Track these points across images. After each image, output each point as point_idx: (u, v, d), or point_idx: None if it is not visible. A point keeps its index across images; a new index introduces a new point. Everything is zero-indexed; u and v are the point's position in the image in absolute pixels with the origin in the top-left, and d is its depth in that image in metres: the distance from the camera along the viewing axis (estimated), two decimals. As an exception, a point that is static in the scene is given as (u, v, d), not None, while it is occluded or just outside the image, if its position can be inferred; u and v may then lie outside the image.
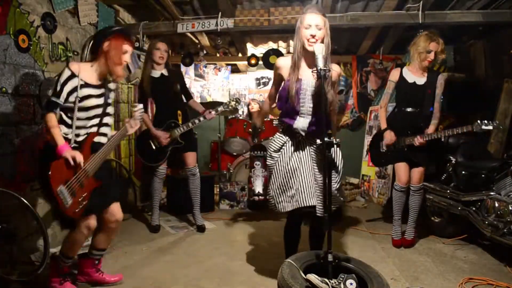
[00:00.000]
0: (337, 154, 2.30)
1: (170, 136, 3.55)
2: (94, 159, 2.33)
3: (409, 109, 3.18)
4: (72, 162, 2.19)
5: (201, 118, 3.55)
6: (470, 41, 5.00)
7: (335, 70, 2.37)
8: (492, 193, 2.96)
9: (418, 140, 3.05)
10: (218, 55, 6.02)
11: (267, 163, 2.44)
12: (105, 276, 2.62)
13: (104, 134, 2.45)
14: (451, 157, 3.48)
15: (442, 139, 3.33)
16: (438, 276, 2.69)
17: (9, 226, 2.55)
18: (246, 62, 5.63)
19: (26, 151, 2.95)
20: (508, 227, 2.70)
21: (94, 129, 2.39)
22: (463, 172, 3.32)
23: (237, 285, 2.57)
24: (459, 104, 4.91)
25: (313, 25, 2.21)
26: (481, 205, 3.02)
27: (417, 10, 3.80)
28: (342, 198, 2.45)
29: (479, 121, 2.85)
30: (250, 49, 5.85)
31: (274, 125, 5.08)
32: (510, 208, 2.74)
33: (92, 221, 2.35)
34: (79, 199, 2.24)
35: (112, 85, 2.52)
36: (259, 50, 5.79)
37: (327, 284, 1.81)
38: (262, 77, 6.42)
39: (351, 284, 1.80)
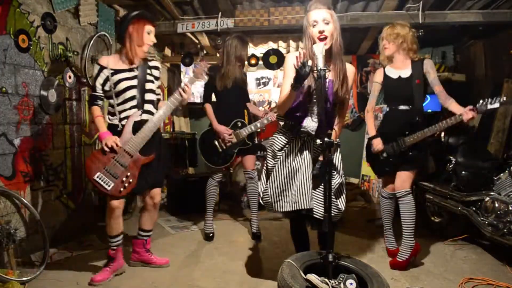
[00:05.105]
0: (336, 156, 2.28)
1: (235, 136, 3.36)
2: (135, 139, 2.50)
3: (401, 107, 2.90)
4: (106, 149, 2.43)
5: (265, 121, 3.38)
6: (470, 41, 5.00)
7: (350, 70, 2.33)
8: (492, 193, 2.96)
9: (468, 116, 2.64)
10: (218, 55, 6.02)
11: (268, 161, 2.37)
12: (153, 257, 2.86)
13: (148, 111, 2.62)
14: (451, 157, 3.48)
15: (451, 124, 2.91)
16: (438, 276, 2.69)
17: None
18: (246, 62, 5.62)
19: (26, 151, 2.95)
20: (508, 227, 2.71)
21: (135, 110, 2.56)
22: (463, 172, 3.32)
23: (237, 285, 2.57)
24: (459, 104, 4.88)
25: (320, 21, 2.13)
26: (481, 205, 3.02)
27: (417, 10, 3.80)
28: (339, 206, 2.26)
29: (481, 101, 2.62)
30: (250, 49, 5.84)
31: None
32: (510, 208, 2.74)
33: (113, 201, 2.49)
34: (123, 179, 2.46)
35: (152, 63, 2.70)
36: (259, 50, 5.78)
37: (327, 284, 1.80)
38: (262, 77, 6.41)
39: (351, 284, 1.80)
